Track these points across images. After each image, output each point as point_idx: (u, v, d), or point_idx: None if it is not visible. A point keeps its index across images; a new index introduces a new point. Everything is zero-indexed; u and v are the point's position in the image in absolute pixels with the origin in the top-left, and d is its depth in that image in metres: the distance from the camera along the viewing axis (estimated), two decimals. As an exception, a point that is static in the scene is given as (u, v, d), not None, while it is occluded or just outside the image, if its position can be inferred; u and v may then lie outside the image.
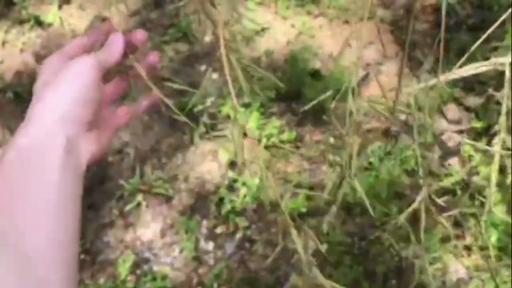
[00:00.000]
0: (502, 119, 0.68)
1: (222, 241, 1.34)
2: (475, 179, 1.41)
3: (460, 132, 1.52)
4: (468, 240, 1.29)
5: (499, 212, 1.26)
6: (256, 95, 1.55)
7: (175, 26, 1.81)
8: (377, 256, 1.26)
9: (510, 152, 0.83)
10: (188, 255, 1.31)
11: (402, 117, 1.44)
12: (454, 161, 1.46)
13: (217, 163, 1.47)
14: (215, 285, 1.26)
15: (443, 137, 1.53)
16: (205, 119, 1.53)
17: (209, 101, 1.53)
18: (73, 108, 0.45)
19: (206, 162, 1.49)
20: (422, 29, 1.74)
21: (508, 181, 1.25)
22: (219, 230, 1.36)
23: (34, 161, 0.42)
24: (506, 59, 0.72)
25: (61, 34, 1.84)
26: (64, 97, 0.45)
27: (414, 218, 1.29)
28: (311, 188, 1.38)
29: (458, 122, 1.58)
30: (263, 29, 1.75)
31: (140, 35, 0.52)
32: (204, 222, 1.37)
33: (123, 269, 1.28)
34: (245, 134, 1.50)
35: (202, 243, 1.33)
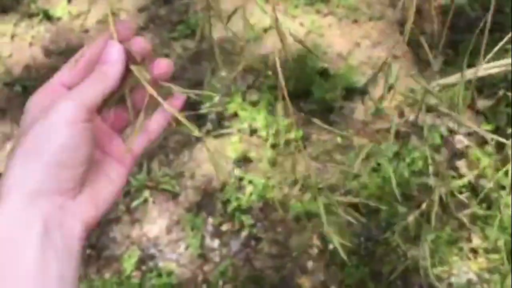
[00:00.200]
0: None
1: (227, 239, 1.34)
2: (482, 182, 1.41)
3: (469, 134, 1.51)
4: (475, 242, 1.28)
5: (507, 215, 1.25)
6: (263, 93, 1.55)
7: (184, 23, 1.80)
8: (383, 256, 1.26)
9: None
10: (193, 252, 1.31)
11: (411, 117, 1.44)
12: (461, 164, 1.46)
13: (223, 160, 1.47)
14: (220, 282, 1.26)
15: (451, 139, 1.52)
16: (212, 116, 1.53)
17: (216, 99, 1.53)
18: (49, 178, 0.37)
19: (213, 159, 1.49)
20: (431, 30, 1.73)
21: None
22: (224, 227, 1.36)
23: (5, 255, 0.34)
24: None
25: (70, 28, 1.85)
26: (36, 164, 0.36)
27: (421, 220, 1.28)
28: (317, 187, 1.37)
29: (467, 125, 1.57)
30: (271, 27, 1.74)
31: (141, 43, 0.43)
32: (210, 220, 1.37)
33: (129, 265, 1.29)
34: (252, 132, 1.49)
35: (207, 241, 1.33)
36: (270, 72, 1.60)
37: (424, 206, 1.30)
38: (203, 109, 1.53)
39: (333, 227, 1.30)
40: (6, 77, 1.68)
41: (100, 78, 0.40)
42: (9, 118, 1.61)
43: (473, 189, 1.38)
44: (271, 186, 1.38)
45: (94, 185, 0.40)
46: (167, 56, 1.73)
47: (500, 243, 1.24)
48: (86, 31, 1.84)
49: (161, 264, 1.30)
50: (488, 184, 1.37)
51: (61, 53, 1.78)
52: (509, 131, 1.43)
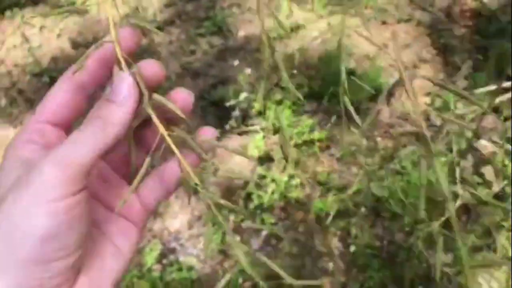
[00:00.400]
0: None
1: (248, 236, 1.34)
2: (508, 189, 1.39)
3: (495, 141, 1.49)
4: (500, 251, 1.27)
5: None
6: (288, 92, 1.55)
7: (211, 19, 1.81)
8: (405, 261, 1.25)
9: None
10: (214, 248, 1.31)
11: (437, 121, 1.42)
12: (487, 170, 1.43)
13: (246, 158, 1.47)
14: (240, 279, 1.26)
15: (478, 145, 1.50)
16: (236, 113, 1.53)
17: (242, 96, 1.53)
18: (27, 279, 0.28)
19: (236, 156, 1.49)
20: (461, 34, 1.70)
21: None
22: (245, 225, 1.36)
23: None
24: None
25: (97, 21, 1.86)
26: (8, 261, 0.27)
27: (445, 226, 1.27)
28: (340, 189, 1.36)
29: (493, 130, 1.55)
30: (298, 26, 1.74)
31: (154, 67, 0.33)
32: (231, 216, 1.37)
33: (150, 258, 1.29)
34: (276, 131, 1.49)
35: (228, 237, 1.34)
36: (295, 71, 1.59)
37: (448, 212, 1.28)
38: (228, 106, 1.54)
39: (355, 228, 1.29)
40: (35, 67, 1.70)
41: (101, 124, 0.30)
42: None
43: (499, 196, 1.36)
44: (294, 186, 1.38)
45: (94, 266, 0.32)
46: (192, 52, 1.74)
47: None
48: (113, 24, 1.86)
49: (182, 258, 1.30)
50: (515, 192, 1.34)
51: (88, 45, 1.80)
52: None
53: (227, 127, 1.51)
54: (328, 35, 1.70)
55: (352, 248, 1.27)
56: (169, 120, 0.34)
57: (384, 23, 1.75)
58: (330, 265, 1.28)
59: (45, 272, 0.28)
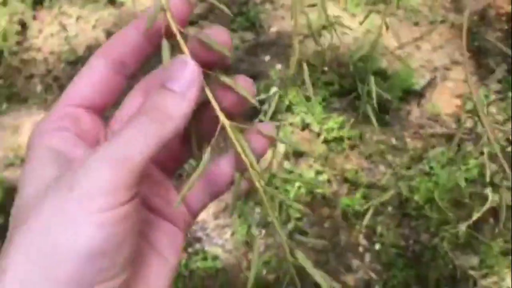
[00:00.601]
0: None
1: (273, 230, 1.35)
2: (539, 195, 1.37)
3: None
4: (528, 256, 1.25)
5: None
6: (318, 88, 1.56)
7: (244, 15, 1.82)
8: (430, 261, 1.24)
9: None
10: (239, 239, 1.33)
11: (469, 123, 1.41)
12: (518, 175, 1.42)
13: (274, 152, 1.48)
14: (264, 271, 1.28)
15: (508, 149, 1.48)
16: (266, 108, 1.54)
17: (272, 91, 1.54)
18: None
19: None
20: (496, 37, 1.69)
21: None
22: (271, 218, 1.37)
23: None
24: None
25: (132, 13, 1.90)
26: (45, 284, 0.22)
27: (473, 228, 1.26)
28: (368, 187, 1.37)
29: (525, 135, 1.53)
30: (330, 24, 1.74)
31: (224, 35, 0.29)
32: (258, 209, 1.38)
33: (176, 246, 1.32)
34: (304, 127, 1.50)
35: (254, 229, 1.35)
36: (326, 68, 1.60)
37: (476, 215, 1.27)
38: (258, 100, 1.55)
39: (380, 227, 1.29)
40: (70, 55, 1.74)
41: (159, 116, 0.25)
42: (70, 96, 1.67)
43: (529, 202, 1.34)
44: (321, 181, 1.38)
45: (140, 283, 0.27)
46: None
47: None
48: (148, 17, 1.89)
49: (207, 248, 1.32)
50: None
51: (122, 36, 1.84)
52: None
53: (257, 121, 1.52)
54: (360, 34, 1.70)
55: (377, 246, 1.27)
56: (226, 107, 0.29)
57: (416, 24, 1.74)
58: (354, 262, 1.28)
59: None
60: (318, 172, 1.40)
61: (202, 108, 0.29)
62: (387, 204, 1.33)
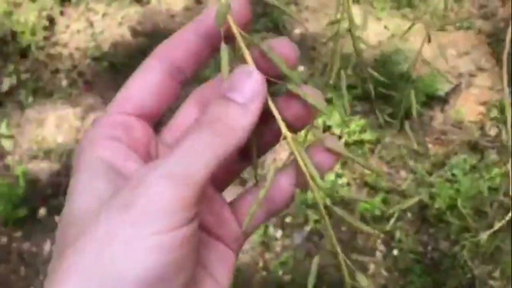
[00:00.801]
0: None
1: (290, 231, 1.35)
2: None
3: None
4: (549, 268, 1.23)
5: None
6: (340, 91, 1.55)
7: (267, 16, 1.83)
8: (449, 269, 1.23)
9: None
10: (256, 239, 1.33)
11: (493, 131, 1.39)
12: (542, 185, 1.39)
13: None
14: (280, 272, 1.28)
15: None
16: (287, 109, 1.54)
17: (294, 92, 1.54)
18: None
19: (283, 151, 1.50)
20: (523, 45, 1.66)
21: None
22: (289, 219, 1.37)
23: None
24: None
25: (157, 12, 1.92)
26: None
27: (494, 238, 1.24)
28: (387, 192, 1.36)
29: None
30: (355, 27, 1.73)
31: (287, 47, 0.27)
32: (276, 210, 1.38)
33: (193, 243, 1.32)
34: (325, 129, 1.50)
35: (271, 230, 1.35)
36: (349, 72, 1.59)
37: (497, 224, 1.25)
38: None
39: (399, 232, 1.28)
40: (95, 51, 1.76)
41: (222, 129, 0.24)
42: (95, 91, 1.69)
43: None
44: (340, 185, 1.38)
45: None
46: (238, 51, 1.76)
47: None
48: (173, 16, 1.91)
49: (224, 246, 1.33)
50: None
51: (147, 34, 1.85)
52: None
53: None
54: (385, 38, 1.69)
55: (395, 252, 1.26)
56: (289, 118, 0.27)
57: (443, 29, 1.72)
58: (372, 266, 1.27)
59: None
60: (338, 175, 1.39)
61: (261, 118, 0.26)
62: (406, 210, 1.31)
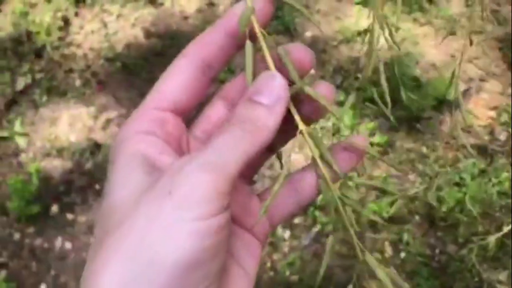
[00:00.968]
0: None
1: (299, 232, 1.36)
2: None
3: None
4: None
5: None
6: (350, 94, 1.56)
7: (279, 19, 1.84)
8: (456, 273, 1.23)
9: None
10: (265, 240, 1.34)
11: (502, 136, 1.39)
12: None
13: (302, 154, 1.49)
14: (287, 272, 1.29)
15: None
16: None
17: (304, 95, 1.56)
18: None
19: (292, 153, 1.51)
20: (535, 50, 1.66)
21: None
22: (297, 220, 1.38)
23: None
24: None
25: (170, 14, 1.94)
26: (147, 280, 0.22)
27: (502, 242, 1.24)
28: (396, 194, 1.36)
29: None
30: (365, 31, 1.74)
31: (302, 52, 0.29)
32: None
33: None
34: (335, 131, 1.51)
35: (279, 230, 1.36)
36: (359, 75, 1.60)
37: (506, 228, 1.25)
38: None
39: (407, 235, 1.29)
40: (109, 52, 1.79)
41: (251, 128, 0.26)
42: (108, 91, 1.72)
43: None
44: (349, 186, 1.39)
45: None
46: (258, 50, 1.78)
47: None
48: (186, 18, 1.93)
49: (232, 246, 1.34)
50: None
51: (160, 36, 1.88)
52: None
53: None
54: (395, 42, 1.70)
55: (402, 255, 1.27)
56: (304, 113, 0.29)
57: (453, 34, 1.73)
58: (379, 268, 1.28)
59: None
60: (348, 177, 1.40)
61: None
62: (414, 213, 1.32)
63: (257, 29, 0.28)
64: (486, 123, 1.46)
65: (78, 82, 1.75)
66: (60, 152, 1.54)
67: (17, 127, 1.59)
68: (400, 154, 1.44)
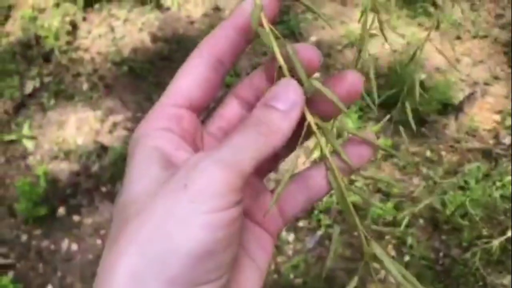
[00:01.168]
0: None
1: (303, 235, 1.37)
2: None
3: None
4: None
5: None
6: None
7: (285, 23, 1.86)
8: (460, 276, 1.23)
9: None
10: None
11: (507, 140, 1.39)
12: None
13: (306, 158, 1.50)
14: (292, 275, 1.29)
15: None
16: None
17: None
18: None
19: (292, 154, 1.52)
20: (540, 54, 1.66)
21: None
22: (301, 223, 1.39)
23: None
24: None
25: (177, 18, 1.96)
26: (153, 284, 0.23)
27: (506, 246, 1.24)
28: (400, 198, 1.36)
29: None
30: (370, 35, 1.75)
31: (310, 52, 0.29)
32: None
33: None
34: (338, 135, 1.51)
35: (283, 233, 1.37)
36: (364, 79, 1.60)
37: (509, 232, 1.25)
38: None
39: (411, 238, 1.29)
40: (116, 56, 1.81)
41: (265, 131, 0.26)
42: (115, 95, 1.74)
43: None
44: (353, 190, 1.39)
45: (234, 287, 0.27)
46: (264, 54, 1.79)
47: None
48: (192, 22, 1.94)
49: (237, 248, 1.35)
50: None
51: (166, 40, 1.89)
52: None
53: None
54: (400, 46, 1.70)
55: (407, 258, 1.27)
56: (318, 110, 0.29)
57: (458, 38, 1.73)
58: (382, 272, 1.28)
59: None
60: (351, 181, 1.40)
61: None
62: (418, 217, 1.32)
63: (266, 25, 0.28)
64: (491, 127, 1.46)
65: (85, 86, 1.77)
66: (67, 155, 1.56)
67: (25, 130, 1.61)
68: (404, 157, 1.44)
